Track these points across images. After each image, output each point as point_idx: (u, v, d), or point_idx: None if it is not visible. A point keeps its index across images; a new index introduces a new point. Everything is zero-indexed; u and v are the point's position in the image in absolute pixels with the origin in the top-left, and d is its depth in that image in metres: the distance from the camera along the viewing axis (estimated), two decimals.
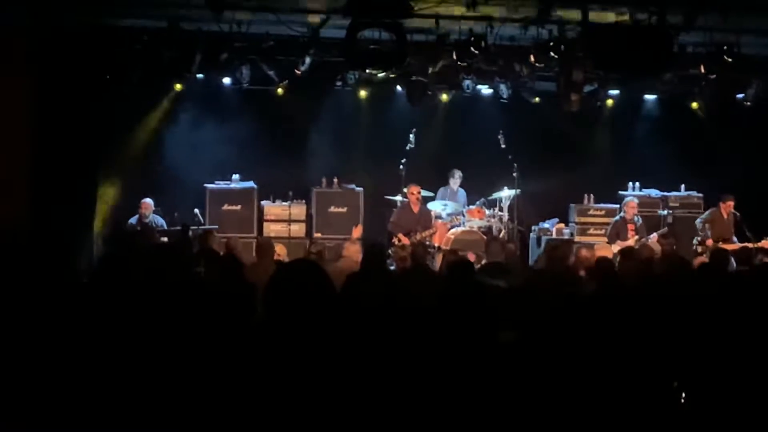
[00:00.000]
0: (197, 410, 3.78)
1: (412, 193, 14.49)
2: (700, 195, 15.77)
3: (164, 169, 14.66)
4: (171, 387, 4.21)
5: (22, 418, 4.19)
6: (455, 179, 15.28)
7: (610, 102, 15.29)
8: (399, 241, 13.82)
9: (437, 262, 13.63)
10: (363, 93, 14.99)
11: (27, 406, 4.25)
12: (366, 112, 15.39)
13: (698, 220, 14.68)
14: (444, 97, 14.70)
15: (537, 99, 14.62)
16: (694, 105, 15.20)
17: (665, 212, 15.61)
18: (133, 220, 13.79)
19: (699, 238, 14.36)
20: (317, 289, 3.65)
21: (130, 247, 7.68)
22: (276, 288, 3.68)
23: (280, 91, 14.25)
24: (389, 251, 13.16)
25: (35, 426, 4.16)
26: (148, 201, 13.85)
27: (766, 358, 5.45)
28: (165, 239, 12.59)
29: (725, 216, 14.50)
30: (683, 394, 5.23)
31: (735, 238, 14.20)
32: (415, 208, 14.53)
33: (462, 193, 15.40)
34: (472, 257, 11.32)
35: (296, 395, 3.50)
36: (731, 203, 14.49)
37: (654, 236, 14.26)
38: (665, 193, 15.92)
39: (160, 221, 13.82)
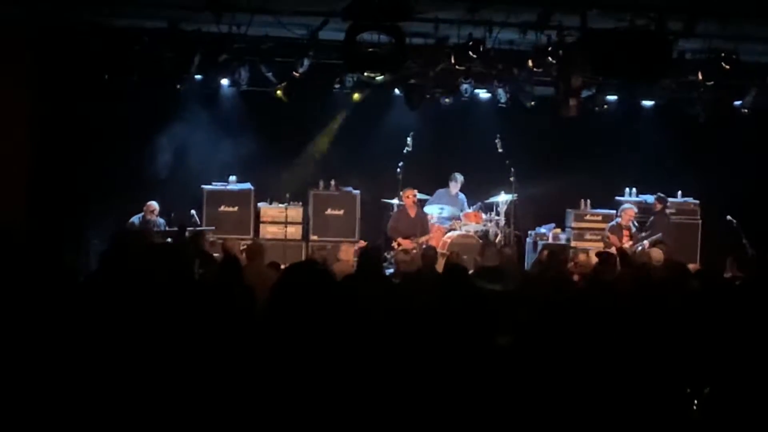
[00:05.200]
0: (195, 412, 3.78)
1: (408, 197, 14.51)
2: (697, 201, 15.79)
3: (161, 169, 14.63)
4: (167, 388, 4.21)
5: (17, 418, 4.18)
6: (456, 183, 15.18)
7: (608, 107, 15.28)
8: (399, 245, 13.81)
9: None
10: (361, 96, 14.93)
11: (22, 406, 4.25)
12: (364, 115, 15.37)
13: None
14: (442, 100, 14.68)
15: (531, 103, 14.60)
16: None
17: None
18: (135, 219, 13.76)
19: None
20: (326, 295, 3.66)
21: (127, 247, 7.64)
22: (285, 289, 3.68)
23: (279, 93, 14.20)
24: (386, 255, 13.17)
25: (31, 426, 4.16)
26: (154, 204, 13.81)
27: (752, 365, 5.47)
28: (164, 240, 12.56)
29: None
30: (687, 399, 5.24)
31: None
32: (412, 212, 14.54)
33: (462, 197, 15.32)
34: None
35: (294, 398, 3.50)
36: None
37: (646, 243, 14.28)
38: None
39: (161, 222, 13.80)
